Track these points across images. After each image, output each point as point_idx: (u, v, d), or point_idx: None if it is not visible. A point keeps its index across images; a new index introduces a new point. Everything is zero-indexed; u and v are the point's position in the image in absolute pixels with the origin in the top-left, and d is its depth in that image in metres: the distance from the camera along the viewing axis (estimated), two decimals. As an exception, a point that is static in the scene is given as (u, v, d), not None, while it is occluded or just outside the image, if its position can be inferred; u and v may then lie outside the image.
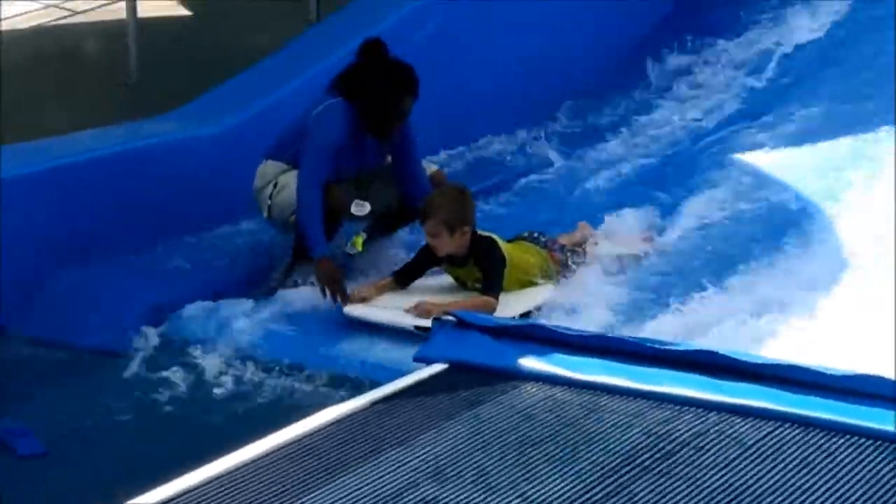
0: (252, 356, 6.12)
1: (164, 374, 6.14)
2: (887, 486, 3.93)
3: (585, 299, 6.42)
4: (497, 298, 6.26)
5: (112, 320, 6.44)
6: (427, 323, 5.93)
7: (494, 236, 6.49)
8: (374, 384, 4.91)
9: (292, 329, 6.31)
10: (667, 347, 4.99)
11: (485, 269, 6.36)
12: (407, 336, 5.98)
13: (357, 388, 5.07)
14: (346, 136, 6.68)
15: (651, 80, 9.03)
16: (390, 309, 6.26)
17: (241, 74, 7.87)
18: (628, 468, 4.08)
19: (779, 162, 7.79)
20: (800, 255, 6.76)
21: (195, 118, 7.47)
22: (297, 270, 6.72)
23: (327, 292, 6.43)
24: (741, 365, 4.79)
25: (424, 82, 6.71)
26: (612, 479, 4.00)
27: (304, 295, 6.60)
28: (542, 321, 5.62)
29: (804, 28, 9.23)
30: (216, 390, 5.99)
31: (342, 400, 4.69)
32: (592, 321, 6.08)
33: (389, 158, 6.92)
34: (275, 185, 6.79)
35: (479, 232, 6.44)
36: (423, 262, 6.52)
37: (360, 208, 6.71)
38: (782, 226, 7.10)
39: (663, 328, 5.89)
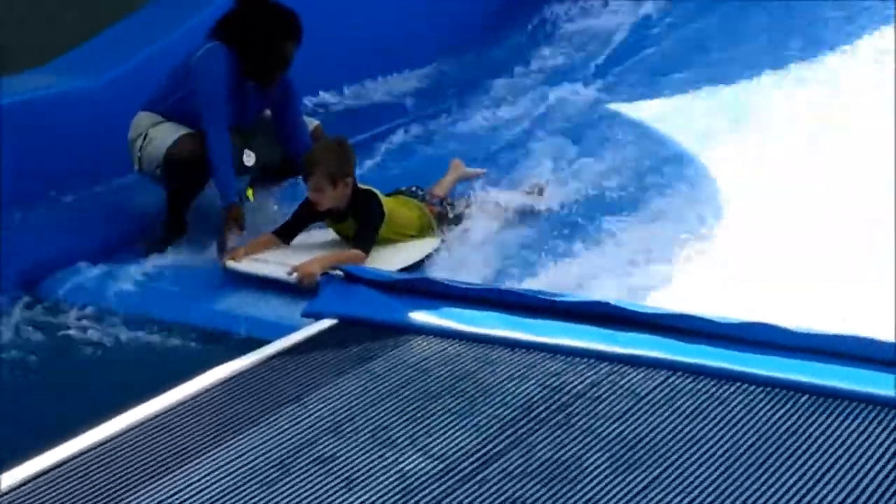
0: (133, 316, 6.00)
1: (38, 335, 6.00)
2: (780, 431, 3.99)
3: (469, 253, 6.41)
4: (367, 252, 6.23)
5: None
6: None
7: (375, 190, 6.44)
8: (261, 342, 4.85)
9: (173, 287, 6.21)
10: (558, 299, 5.00)
11: (361, 222, 6.32)
12: (292, 291, 5.91)
13: (243, 346, 4.96)
14: (227, 80, 6.57)
15: (531, 28, 9.05)
16: (273, 263, 6.18)
17: (116, 25, 7.67)
18: (525, 420, 4.09)
19: (650, 116, 7.86)
20: (676, 203, 6.81)
21: (74, 71, 7.27)
22: (171, 242, 6.60)
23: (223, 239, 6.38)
24: (632, 315, 4.82)
25: (307, 27, 6.62)
26: (510, 431, 4.01)
27: (184, 254, 6.51)
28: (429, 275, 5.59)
29: None
30: (92, 352, 5.86)
31: (229, 359, 4.62)
32: (477, 274, 6.05)
33: (269, 112, 6.83)
34: (145, 137, 6.66)
35: (360, 185, 6.38)
36: (303, 218, 6.46)
37: (249, 158, 6.65)
38: (655, 175, 7.14)
39: (549, 280, 5.89)
